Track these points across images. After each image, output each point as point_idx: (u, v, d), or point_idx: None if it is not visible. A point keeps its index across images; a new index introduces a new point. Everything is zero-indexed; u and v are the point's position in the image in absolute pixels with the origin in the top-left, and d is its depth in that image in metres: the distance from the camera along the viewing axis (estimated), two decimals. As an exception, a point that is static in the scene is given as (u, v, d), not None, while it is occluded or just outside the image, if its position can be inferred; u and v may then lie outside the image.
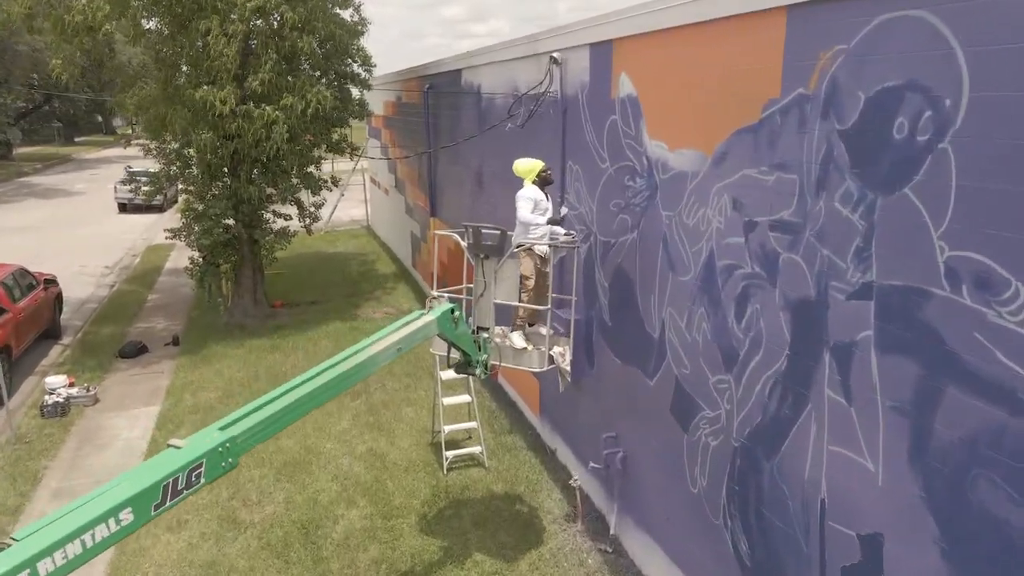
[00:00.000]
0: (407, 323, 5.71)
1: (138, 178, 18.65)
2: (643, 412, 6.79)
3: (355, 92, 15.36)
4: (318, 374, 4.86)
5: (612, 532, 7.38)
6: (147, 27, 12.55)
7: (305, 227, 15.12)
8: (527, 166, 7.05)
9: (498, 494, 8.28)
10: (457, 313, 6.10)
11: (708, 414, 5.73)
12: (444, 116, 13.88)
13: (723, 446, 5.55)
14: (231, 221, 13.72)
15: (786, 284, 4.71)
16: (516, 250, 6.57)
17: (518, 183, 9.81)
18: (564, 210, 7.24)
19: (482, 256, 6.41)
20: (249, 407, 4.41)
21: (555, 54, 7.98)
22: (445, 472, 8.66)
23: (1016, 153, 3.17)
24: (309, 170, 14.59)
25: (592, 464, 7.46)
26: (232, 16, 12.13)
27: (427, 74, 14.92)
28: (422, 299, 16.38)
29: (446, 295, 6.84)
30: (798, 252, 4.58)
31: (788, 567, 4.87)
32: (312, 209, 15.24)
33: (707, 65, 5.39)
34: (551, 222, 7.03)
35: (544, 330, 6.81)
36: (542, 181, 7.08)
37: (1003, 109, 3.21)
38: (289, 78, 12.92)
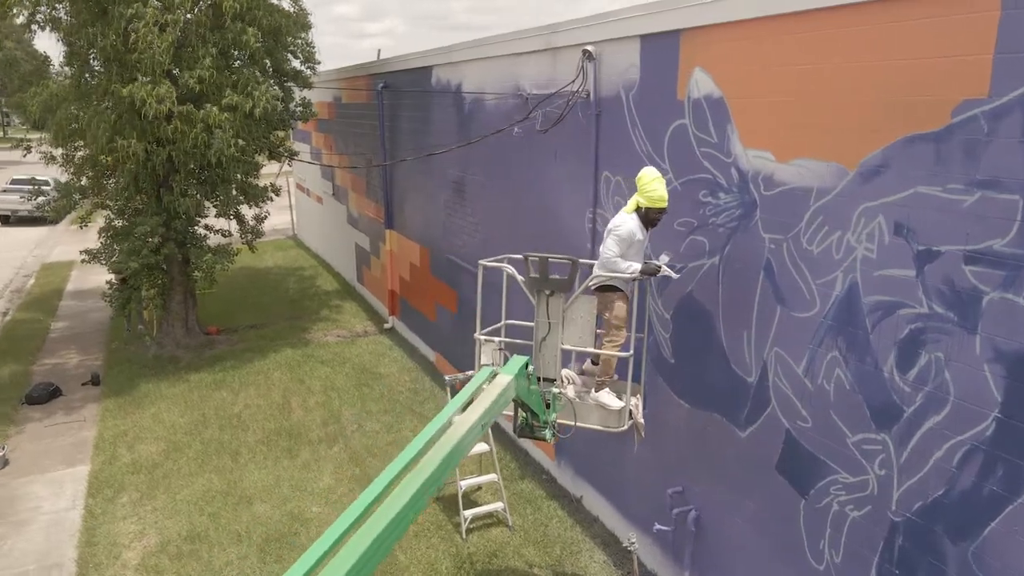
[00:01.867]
0: (479, 387, 4.44)
1: (28, 185, 15.81)
2: (729, 467, 5.78)
3: (297, 92, 13.73)
4: (390, 482, 3.49)
5: (683, 603, 6.35)
6: (56, 15, 10.59)
7: (247, 243, 13.37)
8: (652, 184, 5.29)
9: (532, 561, 7.09)
10: (531, 368, 4.89)
11: (845, 479, 4.75)
12: (406, 118, 12.50)
13: (871, 520, 4.59)
14: (159, 239, 11.85)
15: (997, 330, 3.77)
16: (599, 290, 5.39)
17: (515, 195, 8.71)
18: (665, 258, 5.50)
19: (548, 293, 5.20)
20: (315, 552, 3.00)
21: (589, 47, 6.86)
22: (464, 536, 7.39)
23: None
24: (251, 179, 12.89)
25: (658, 526, 6.38)
26: (155, 2, 10.37)
27: (380, 72, 13.49)
28: (375, 318, 14.94)
29: (497, 340, 5.61)
30: (1021, 293, 3.64)
31: (992, 676, 3.95)
32: (254, 223, 13.51)
33: (849, 60, 4.41)
34: (644, 272, 5.36)
35: (617, 379, 5.66)
36: (646, 219, 5.38)
37: None
38: (232, 75, 11.24)
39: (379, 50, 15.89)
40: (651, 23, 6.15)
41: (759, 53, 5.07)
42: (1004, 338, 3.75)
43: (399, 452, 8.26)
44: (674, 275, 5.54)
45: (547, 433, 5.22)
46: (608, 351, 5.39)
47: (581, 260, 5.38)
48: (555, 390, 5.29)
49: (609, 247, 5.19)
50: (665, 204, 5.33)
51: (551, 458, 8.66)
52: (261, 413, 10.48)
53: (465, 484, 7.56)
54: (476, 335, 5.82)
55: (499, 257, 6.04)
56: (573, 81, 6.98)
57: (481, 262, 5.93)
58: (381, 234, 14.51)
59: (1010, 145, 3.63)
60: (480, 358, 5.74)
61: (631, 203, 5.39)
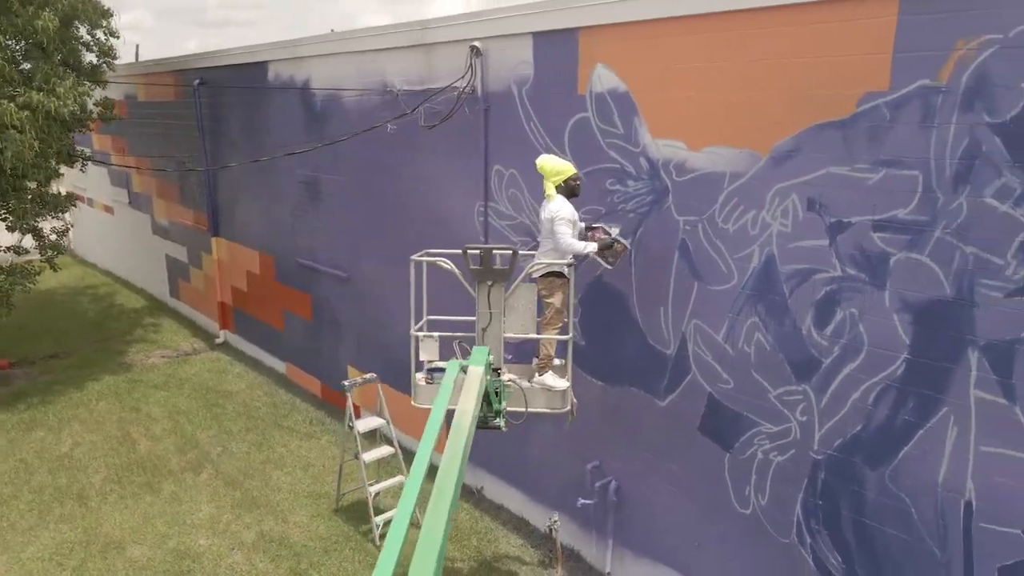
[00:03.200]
0: (456, 387, 4.42)
1: None
2: (648, 436, 6.22)
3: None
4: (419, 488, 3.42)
5: (608, 571, 6.70)
6: None
7: (47, 260, 11.69)
8: (557, 165, 5.56)
9: (453, 556, 7.08)
10: (492, 357, 4.94)
11: (768, 429, 5.36)
12: (235, 117, 11.68)
13: (795, 462, 5.23)
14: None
15: (902, 285, 4.50)
16: (543, 275, 5.50)
17: (390, 193, 8.58)
18: (615, 230, 5.69)
19: (490, 283, 5.26)
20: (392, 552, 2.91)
21: (476, 43, 6.96)
22: (378, 543, 7.18)
23: None
24: (46, 187, 11.29)
25: (582, 500, 6.68)
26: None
27: (193, 68, 12.46)
28: (201, 334, 13.81)
29: (436, 335, 5.56)
30: (923, 252, 4.39)
31: (911, 573, 4.71)
32: (54, 237, 11.85)
33: (759, 58, 4.98)
34: (602, 248, 5.56)
35: (557, 362, 5.83)
36: (568, 191, 5.58)
37: None
38: (21, 67, 9.79)
39: (137, 45, 14.58)
40: (544, 21, 6.40)
41: (667, 51, 5.52)
42: (910, 291, 4.48)
43: (275, 470, 7.63)
44: (627, 244, 5.77)
45: (501, 422, 5.29)
46: (551, 335, 5.57)
47: (520, 252, 5.47)
48: (505, 378, 5.37)
49: (563, 232, 5.34)
50: (575, 169, 5.62)
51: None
52: (98, 449, 9.31)
53: (375, 489, 7.34)
54: (412, 332, 5.71)
55: (429, 251, 5.95)
56: (463, 76, 7.04)
57: (412, 258, 5.82)
58: (204, 243, 13.41)
59: (909, 129, 4.34)
60: (419, 355, 5.65)
61: (550, 189, 5.56)
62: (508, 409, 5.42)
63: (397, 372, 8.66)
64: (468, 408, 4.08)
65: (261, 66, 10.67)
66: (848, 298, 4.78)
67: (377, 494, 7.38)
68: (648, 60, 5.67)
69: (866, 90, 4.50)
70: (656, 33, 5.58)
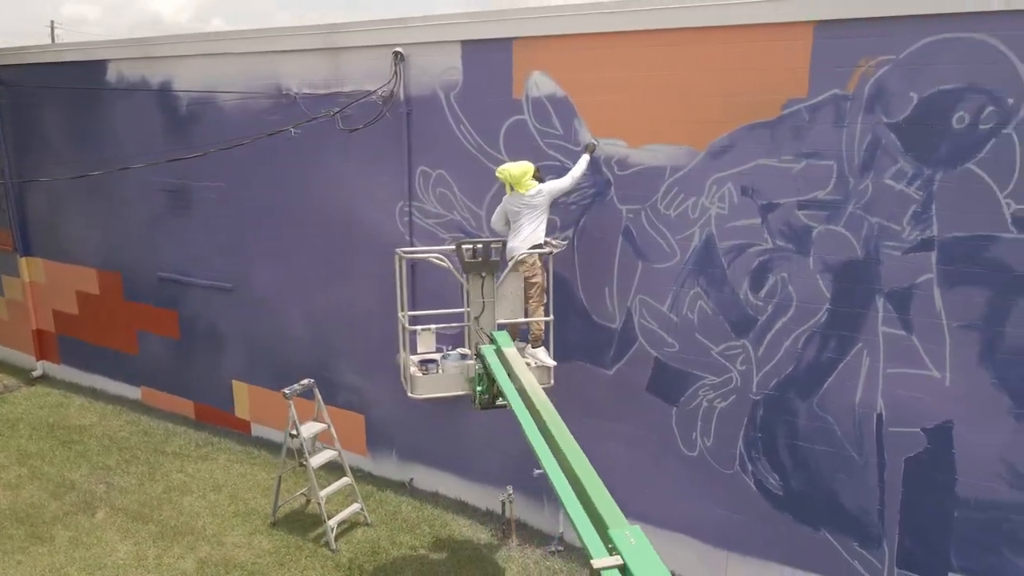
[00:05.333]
0: (507, 363, 4.89)
1: None
2: (597, 403, 6.98)
3: None
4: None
5: (560, 531, 7.37)
6: None
7: None
8: (520, 168, 6.14)
9: (412, 544, 7.30)
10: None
11: (712, 380, 6.38)
12: (55, 122, 10.48)
13: (736, 405, 6.30)
14: None
15: (824, 251, 5.70)
16: (523, 255, 5.94)
17: (286, 197, 8.42)
18: (592, 141, 6.42)
19: (483, 274, 5.66)
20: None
21: (399, 49, 7.21)
22: (334, 547, 7.17)
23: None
24: None
25: (537, 471, 7.24)
26: None
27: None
28: (10, 370, 12.13)
29: (433, 328, 5.83)
30: (839, 223, 5.62)
31: (837, 478, 5.97)
32: None
33: (694, 70, 5.93)
34: (590, 151, 6.33)
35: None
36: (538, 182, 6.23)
37: (1063, 105, 4.79)
38: None
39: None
40: (474, 31, 6.87)
41: (608, 61, 6.29)
42: (829, 255, 5.70)
43: (180, 495, 7.44)
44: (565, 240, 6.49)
45: (507, 401, 5.72)
46: (540, 313, 6.07)
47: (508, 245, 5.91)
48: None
49: (558, 182, 6.12)
50: (533, 166, 6.28)
51: (363, 455, 8.72)
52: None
53: (325, 493, 7.29)
54: (406, 327, 5.91)
55: (417, 249, 6.16)
56: (389, 81, 7.24)
57: (399, 251, 6.04)
58: (9, 265, 11.79)
59: (825, 128, 5.53)
60: (417, 348, 5.88)
61: (523, 187, 6.10)
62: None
63: (295, 380, 8.54)
64: (530, 378, 4.56)
65: (97, 65, 9.75)
66: (779, 265, 5.91)
67: (326, 499, 7.33)
68: (588, 68, 6.40)
69: (789, 97, 5.62)
70: (596, 45, 6.32)
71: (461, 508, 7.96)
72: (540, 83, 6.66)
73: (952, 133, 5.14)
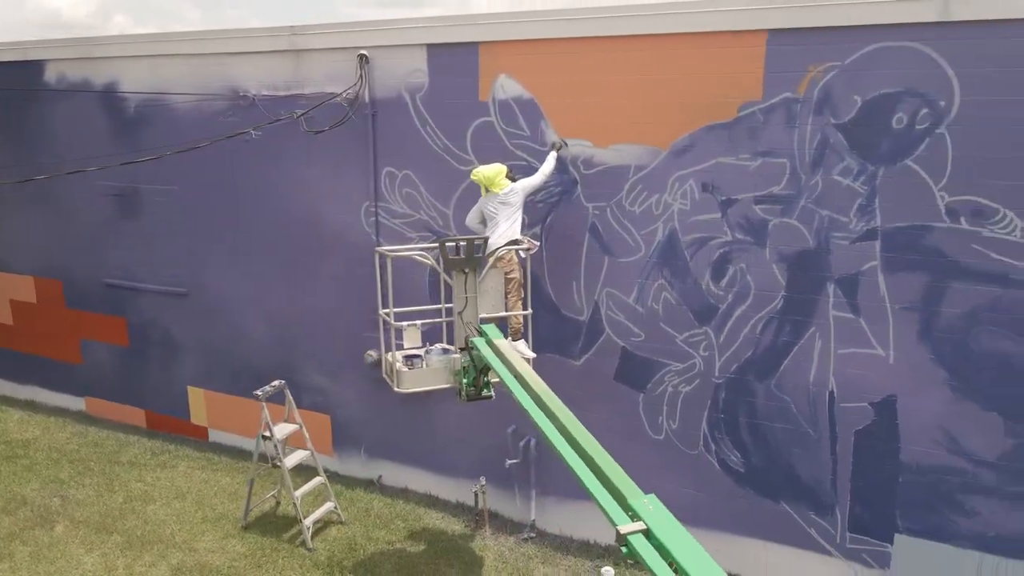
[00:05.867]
0: (501, 354, 5.13)
1: None
2: (566, 392, 7.22)
3: None
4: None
5: (532, 518, 7.62)
6: None
7: None
8: (492, 170, 6.42)
9: (389, 539, 7.41)
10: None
11: (676, 367, 6.77)
12: (-10, 123, 10.05)
13: (700, 389, 6.70)
14: None
15: (779, 242, 6.16)
16: (503, 251, 6.15)
17: (224, 206, 8.39)
18: (558, 141, 6.70)
19: (466, 271, 5.86)
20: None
21: (364, 52, 7.31)
22: (310, 546, 7.21)
23: (991, 131, 5.35)
24: None
25: (509, 461, 7.48)
26: None
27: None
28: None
29: (419, 323, 5.98)
30: (792, 216, 6.08)
31: (794, 452, 6.44)
32: None
33: (655, 74, 6.29)
34: (557, 148, 6.61)
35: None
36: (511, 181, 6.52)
37: (987, 108, 5.35)
38: None
39: None
40: (440, 35, 7.05)
41: (574, 65, 6.58)
42: (784, 246, 6.15)
43: (144, 504, 7.20)
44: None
45: (490, 392, 5.95)
46: (518, 307, 6.30)
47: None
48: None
49: (529, 180, 6.46)
50: (504, 166, 6.58)
51: (329, 455, 8.74)
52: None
53: (300, 493, 7.32)
54: (394, 323, 6.03)
55: (399, 247, 6.30)
56: (355, 84, 7.34)
57: (378, 249, 6.16)
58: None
59: (778, 129, 5.98)
60: (403, 343, 6.01)
61: (497, 187, 6.35)
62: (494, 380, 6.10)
63: (257, 383, 8.53)
64: (526, 367, 4.81)
65: (33, 66, 9.43)
66: (738, 256, 6.34)
67: (298, 496, 7.35)
68: (554, 72, 6.68)
69: (745, 99, 6.05)
70: (562, 50, 6.61)
71: (432, 502, 8.12)
72: (506, 86, 6.90)
73: (892, 133, 5.66)
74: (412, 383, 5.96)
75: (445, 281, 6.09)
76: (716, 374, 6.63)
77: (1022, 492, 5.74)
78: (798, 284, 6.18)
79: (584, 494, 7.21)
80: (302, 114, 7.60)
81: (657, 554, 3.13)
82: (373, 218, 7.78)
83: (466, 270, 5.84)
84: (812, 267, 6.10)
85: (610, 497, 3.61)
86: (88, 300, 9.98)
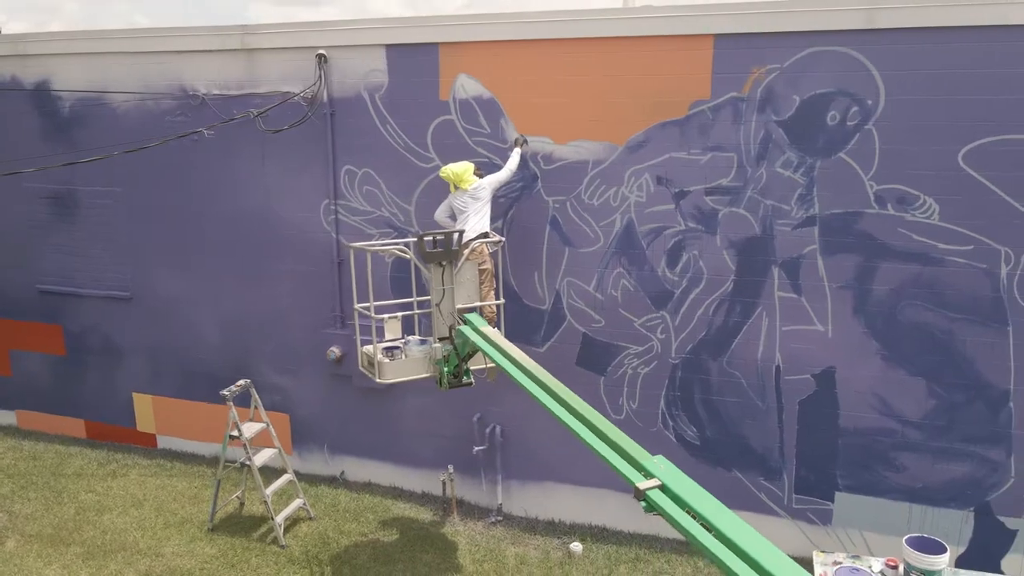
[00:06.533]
0: (491, 341, 5.40)
1: None
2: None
3: None
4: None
5: (499, 502, 7.90)
6: None
7: None
8: (460, 167, 6.65)
9: (362, 531, 7.52)
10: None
11: (635, 350, 7.21)
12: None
13: (658, 369, 7.17)
14: None
15: (728, 230, 6.69)
16: (475, 243, 6.37)
17: (173, 207, 8.32)
18: (520, 138, 7.00)
19: (444, 264, 6.08)
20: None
21: (322, 51, 7.40)
22: (283, 543, 7.24)
23: (912, 127, 6.03)
24: None
25: (477, 448, 7.72)
26: None
27: None
28: None
29: (400, 315, 6.16)
30: (740, 206, 6.62)
31: (744, 423, 7.00)
32: None
33: (612, 75, 6.70)
34: (520, 143, 6.92)
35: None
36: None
37: (908, 106, 6.03)
38: None
39: None
40: (400, 35, 7.23)
41: (533, 65, 6.91)
42: (733, 233, 6.69)
43: (98, 514, 7.26)
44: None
45: (471, 379, 6.19)
46: (491, 298, 6.56)
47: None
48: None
49: (495, 175, 6.73)
50: (472, 164, 6.83)
51: (289, 453, 8.73)
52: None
53: (270, 491, 7.33)
54: (373, 316, 6.15)
55: (377, 242, 6.43)
56: (314, 84, 7.41)
57: (351, 245, 6.31)
58: None
59: (726, 125, 6.50)
60: (384, 335, 6.16)
61: (466, 184, 6.59)
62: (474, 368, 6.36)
63: (210, 386, 8.52)
64: (517, 350, 5.11)
65: (-48, 63, 8.95)
66: (691, 244, 6.83)
67: (268, 494, 7.36)
68: (514, 72, 6.99)
69: (695, 98, 6.54)
70: (521, 51, 6.92)
71: (398, 494, 8.27)
72: (467, 85, 7.15)
73: (826, 129, 6.27)
74: (394, 373, 6.12)
75: (416, 275, 6.30)
76: (672, 355, 7.11)
77: (943, 447, 6.48)
78: (746, 268, 6.73)
79: (547, 476, 7.62)
80: (260, 113, 7.60)
81: (675, 504, 3.49)
82: (333, 216, 7.86)
83: (443, 263, 6.06)
84: (758, 252, 6.66)
85: (623, 460, 3.95)
86: (17, 308, 9.55)
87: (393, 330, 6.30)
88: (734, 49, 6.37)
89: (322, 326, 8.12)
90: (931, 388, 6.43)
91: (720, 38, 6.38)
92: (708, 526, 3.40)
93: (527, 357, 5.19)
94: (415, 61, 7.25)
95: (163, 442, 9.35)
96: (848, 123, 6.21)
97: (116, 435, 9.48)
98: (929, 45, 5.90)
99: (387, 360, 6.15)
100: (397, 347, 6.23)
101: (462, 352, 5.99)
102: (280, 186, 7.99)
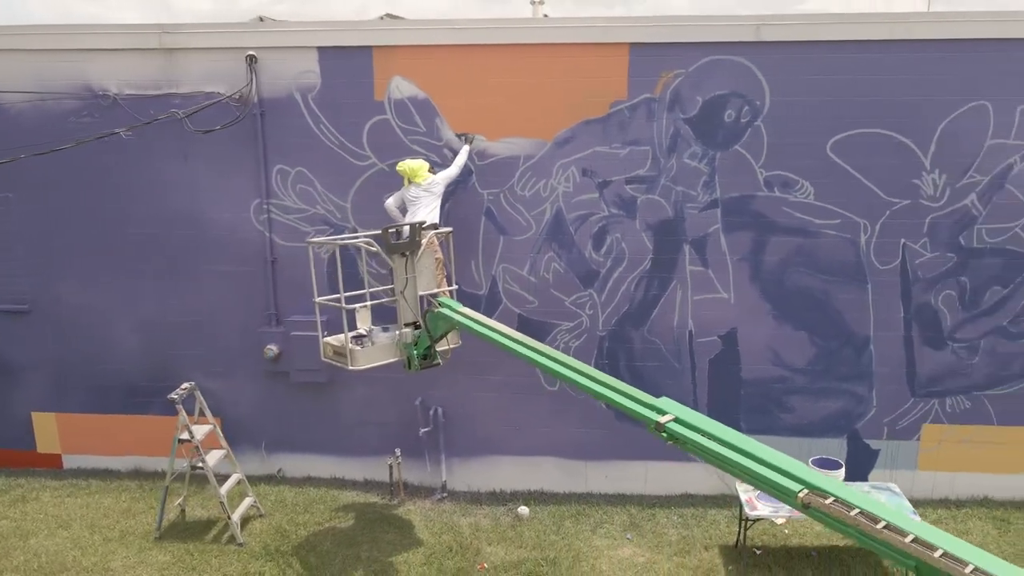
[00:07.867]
0: (477, 320, 5.92)
1: None
2: (468, 361, 8.11)
3: None
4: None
5: (443, 479, 8.37)
6: None
7: None
8: (415, 163, 7.01)
9: (315, 521, 7.69)
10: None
11: (567, 326, 7.99)
12: None
13: (587, 342, 7.99)
14: None
15: (645, 215, 7.64)
16: (431, 234, 6.76)
17: (77, 212, 8.08)
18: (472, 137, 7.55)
19: (406, 254, 6.47)
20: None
21: (252, 52, 7.47)
22: (241, 541, 7.26)
23: (792, 123, 7.29)
24: None
25: (423, 429, 8.12)
26: None
27: None
28: None
29: (369, 304, 6.45)
30: (655, 193, 7.59)
31: (664, 384, 8.00)
32: None
33: (539, 77, 7.41)
34: (468, 140, 7.46)
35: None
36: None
37: (789, 106, 7.28)
38: None
39: None
40: (332, 38, 7.49)
41: (467, 67, 7.45)
42: (650, 217, 7.65)
43: (33, 539, 7.41)
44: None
45: (438, 359, 6.63)
46: (444, 284, 7.01)
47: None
48: (419, 331, 6.63)
49: (446, 171, 7.24)
50: (427, 163, 7.29)
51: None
52: None
53: (224, 490, 7.30)
54: (344, 307, 6.40)
55: (340, 236, 6.64)
56: (246, 85, 7.45)
57: (310, 240, 6.54)
58: None
59: (642, 122, 7.43)
60: (355, 325, 6.44)
61: (421, 178, 7.03)
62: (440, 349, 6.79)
63: (125, 396, 8.50)
64: (499, 324, 5.71)
65: None
66: (614, 228, 7.71)
67: (223, 493, 7.34)
68: (447, 74, 7.49)
69: (614, 99, 7.41)
70: (454, 54, 7.44)
71: (340, 484, 8.49)
72: (402, 87, 7.56)
73: (725, 125, 7.38)
74: (366, 360, 6.43)
75: (367, 267, 6.69)
76: (600, 328, 7.96)
77: (823, 387, 7.85)
78: (662, 247, 7.71)
79: (488, 450, 8.22)
80: (188, 114, 7.52)
81: (692, 431, 4.26)
82: (265, 215, 7.93)
83: (406, 253, 6.47)
84: (672, 233, 7.67)
85: (636, 403, 4.66)
86: None
87: (364, 319, 6.60)
88: (647, 56, 7.31)
89: (256, 325, 8.15)
90: (812, 339, 7.77)
91: (635, 46, 7.30)
92: (722, 443, 4.20)
93: (510, 329, 5.75)
94: (349, 63, 7.54)
95: (70, 461, 8.85)
96: (742, 120, 7.36)
97: (13, 460, 8.83)
98: (804, 56, 7.16)
99: (359, 348, 6.45)
100: (365, 335, 6.55)
101: (435, 334, 6.44)
102: (207, 186, 7.92)
